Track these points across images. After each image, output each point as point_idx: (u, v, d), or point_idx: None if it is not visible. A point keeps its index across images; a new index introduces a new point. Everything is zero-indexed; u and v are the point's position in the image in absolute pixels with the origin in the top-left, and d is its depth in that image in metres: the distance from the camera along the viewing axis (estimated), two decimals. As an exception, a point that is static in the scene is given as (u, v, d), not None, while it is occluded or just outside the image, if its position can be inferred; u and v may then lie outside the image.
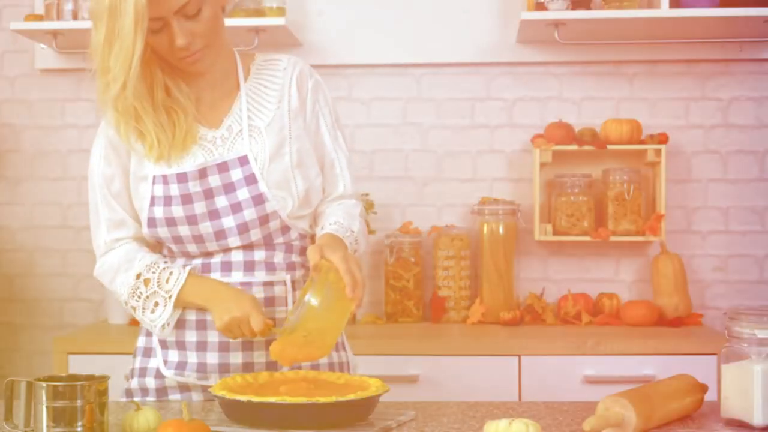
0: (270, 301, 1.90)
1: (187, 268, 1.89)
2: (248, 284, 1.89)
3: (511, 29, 3.33)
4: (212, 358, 1.89)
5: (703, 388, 1.74)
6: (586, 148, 3.22)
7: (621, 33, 3.25)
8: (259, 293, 1.89)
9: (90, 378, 1.57)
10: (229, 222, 1.87)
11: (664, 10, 3.04)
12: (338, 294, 1.72)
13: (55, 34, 3.21)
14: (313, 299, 1.71)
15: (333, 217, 1.92)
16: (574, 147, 3.23)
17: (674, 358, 2.85)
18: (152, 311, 1.89)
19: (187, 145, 1.87)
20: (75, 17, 3.17)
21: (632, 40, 3.30)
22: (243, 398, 1.61)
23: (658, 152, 3.19)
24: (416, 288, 3.30)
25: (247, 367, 1.88)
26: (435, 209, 3.42)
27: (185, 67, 1.86)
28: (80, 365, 2.88)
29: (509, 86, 3.41)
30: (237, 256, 1.89)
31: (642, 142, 3.23)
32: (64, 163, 3.48)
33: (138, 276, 1.90)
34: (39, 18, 3.22)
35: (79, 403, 1.53)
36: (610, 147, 3.22)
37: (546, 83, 3.40)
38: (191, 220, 1.87)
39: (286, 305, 1.91)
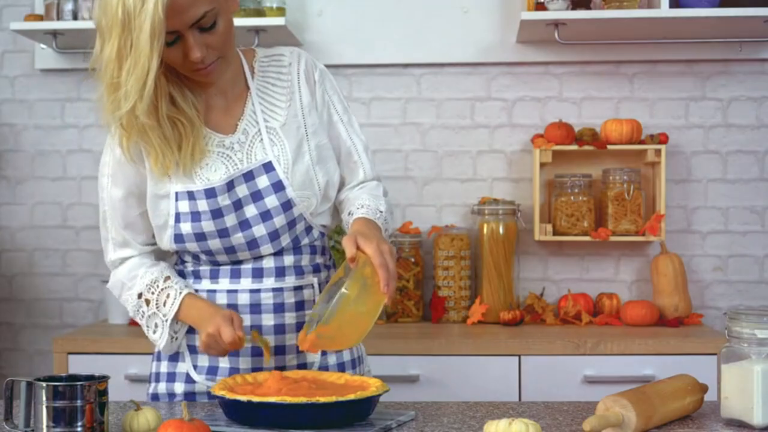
0: (300, 305, 1.90)
1: (184, 292, 1.88)
2: (280, 290, 1.89)
3: (511, 29, 3.33)
4: (245, 363, 1.89)
5: (703, 388, 1.74)
6: (586, 148, 3.22)
7: (621, 33, 3.25)
8: (290, 298, 1.90)
9: (90, 378, 1.57)
10: (260, 230, 1.86)
11: (664, 10, 3.04)
12: (373, 288, 1.70)
13: (55, 34, 3.21)
14: (348, 292, 1.70)
15: (359, 201, 1.90)
16: (574, 147, 3.23)
17: (674, 358, 2.86)
18: (154, 332, 1.91)
19: (196, 157, 1.83)
20: (75, 17, 3.18)
21: (632, 40, 3.30)
22: (243, 398, 1.61)
23: (658, 152, 3.19)
24: (416, 288, 3.30)
25: (283, 371, 1.87)
26: (435, 209, 3.42)
27: (199, 78, 1.82)
28: (80, 365, 2.88)
29: (509, 86, 3.41)
30: (269, 263, 1.89)
31: (642, 142, 3.23)
32: (64, 163, 3.48)
33: (140, 296, 1.91)
34: (39, 18, 3.22)
35: (79, 403, 1.53)
36: (610, 147, 3.22)
37: (546, 83, 3.40)
38: (222, 233, 1.85)
39: None
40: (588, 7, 3.14)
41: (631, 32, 3.24)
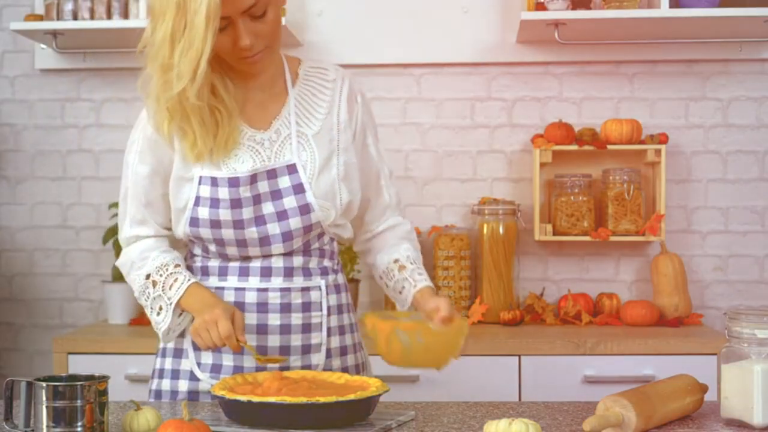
0: (306, 306, 1.92)
1: (192, 279, 1.89)
2: (287, 290, 1.90)
3: (511, 29, 3.33)
4: (249, 361, 1.89)
5: (703, 388, 1.74)
6: (586, 148, 3.22)
7: (621, 33, 3.26)
8: (297, 298, 1.91)
9: (90, 378, 1.57)
10: (274, 229, 1.88)
11: (664, 10, 3.04)
12: (447, 353, 1.83)
13: (55, 34, 3.21)
14: (443, 340, 1.82)
15: (405, 251, 2.01)
16: (574, 147, 3.23)
17: (674, 358, 2.86)
18: (158, 313, 1.91)
19: (229, 148, 1.87)
20: (75, 17, 3.18)
21: (632, 40, 3.30)
22: (243, 398, 1.61)
23: (658, 152, 3.19)
24: (416, 288, 3.29)
25: (284, 371, 1.87)
26: (435, 209, 3.42)
27: (244, 67, 1.86)
28: (80, 365, 2.88)
29: (509, 86, 3.41)
30: (277, 262, 1.91)
31: (642, 142, 3.23)
32: (64, 163, 3.48)
33: (148, 276, 1.92)
34: (39, 18, 3.22)
35: (79, 403, 1.53)
36: (610, 147, 3.22)
37: (546, 83, 3.40)
38: (238, 224, 1.87)
39: (321, 310, 1.93)
40: (588, 7, 3.14)
41: (631, 32, 3.24)
